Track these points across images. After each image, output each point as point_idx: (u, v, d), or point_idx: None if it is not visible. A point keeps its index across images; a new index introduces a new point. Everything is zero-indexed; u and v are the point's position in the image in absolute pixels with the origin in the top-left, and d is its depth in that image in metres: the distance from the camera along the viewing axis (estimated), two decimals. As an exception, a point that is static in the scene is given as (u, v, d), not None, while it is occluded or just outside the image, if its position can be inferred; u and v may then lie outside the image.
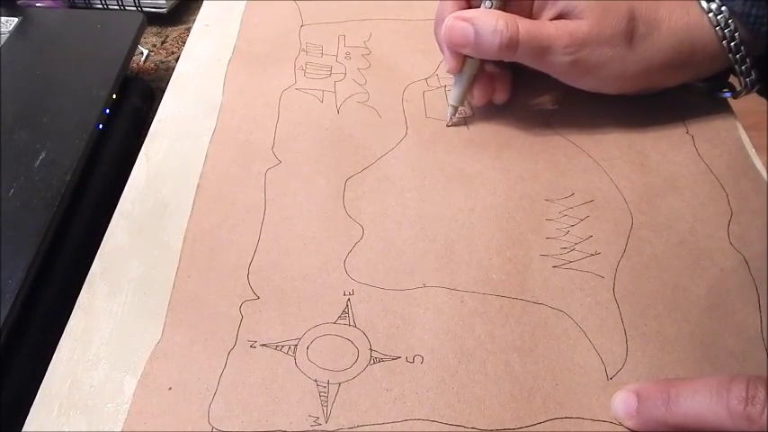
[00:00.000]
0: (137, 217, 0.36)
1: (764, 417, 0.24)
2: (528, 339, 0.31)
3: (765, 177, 0.37)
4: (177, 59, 0.46)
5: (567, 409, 0.29)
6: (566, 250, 0.34)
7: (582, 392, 0.29)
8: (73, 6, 0.55)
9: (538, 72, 0.38)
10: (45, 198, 0.35)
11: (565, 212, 0.36)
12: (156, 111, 0.42)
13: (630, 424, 0.28)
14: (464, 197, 0.37)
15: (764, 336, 0.31)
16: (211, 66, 0.45)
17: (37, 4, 0.53)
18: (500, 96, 0.41)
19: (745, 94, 0.40)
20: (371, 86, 0.43)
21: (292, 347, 0.30)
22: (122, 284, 0.33)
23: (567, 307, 0.32)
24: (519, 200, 0.37)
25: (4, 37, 0.46)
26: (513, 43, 0.36)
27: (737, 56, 0.37)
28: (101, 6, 0.54)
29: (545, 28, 0.36)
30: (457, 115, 0.41)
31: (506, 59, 0.37)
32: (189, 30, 0.51)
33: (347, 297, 0.32)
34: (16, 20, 0.47)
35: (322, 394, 0.29)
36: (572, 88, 0.39)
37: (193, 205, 0.36)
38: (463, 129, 0.41)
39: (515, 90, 0.41)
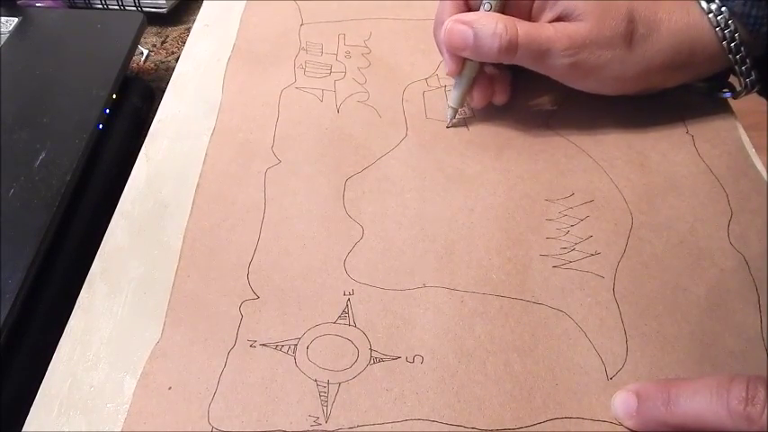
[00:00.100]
0: (137, 217, 0.36)
1: (764, 417, 0.24)
2: (528, 339, 0.31)
3: (765, 177, 0.37)
4: (177, 59, 0.46)
5: (567, 409, 0.29)
6: (566, 250, 0.34)
7: (582, 392, 0.29)
8: (73, 6, 0.55)
9: (537, 73, 0.38)
10: (45, 198, 0.35)
11: (565, 212, 0.36)
12: (156, 111, 0.42)
13: (630, 424, 0.28)
14: (464, 197, 0.37)
15: (764, 336, 0.31)
16: (211, 66, 0.45)
17: (37, 4, 0.53)
18: (500, 98, 0.41)
19: (746, 95, 0.40)
20: (371, 86, 0.43)
21: (292, 347, 0.30)
22: (122, 284, 0.33)
23: (567, 307, 0.32)
24: (519, 200, 0.37)
25: (4, 37, 0.46)
26: (512, 46, 0.36)
27: (737, 56, 0.37)
28: (101, 6, 0.54)
29: (544, 30, 0.36)
30: (456, 117, 0.41)
31: (506, 62, 0.37)
32: (189, 30, 0.51)
33: (347, 297, 0.32)
34: (16, 20, 0.47)
35: (322, 394, 0.29)
36: (572, 89, 0.39)
37: (193, 205, 0.36)
38: (463, 129, 0.41)
39: (515, 91, 0.41)
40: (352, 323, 0.31)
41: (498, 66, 0.40)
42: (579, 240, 0.35)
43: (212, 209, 0.36)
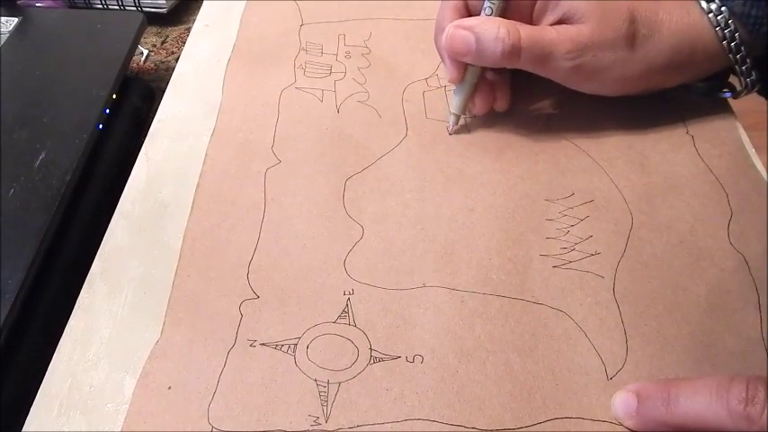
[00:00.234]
0: (137, 217, 0.36)
1: (764, 417, 0.24)
2: (528, 339, 0.31)
3: (765, 177, 0.37)
4: (177, 59, 0.46)
5: (567, 409, 0.29)
6: (566, 250, 0.34)
7: (582, 392, 0.29)
8: (73, 6, 0.55)
9: (537, 75, 0.38)
10: (45, 198, 0.35)
11: (565, 212, 0.36)
12: (156, 111, 0.42)
13: (630, 424, 0.28)
14: (464, 197, 0.37)
15: (764, 336, 0.31)
16: (211, 66, 0.45)
17: (37, 4, 0.53)
18: (501, 104, 0.41)
19: (746, 95, 0.40)
20: (371, 86, 0.43)
21: (292, 347, 0.30)
22: (122, 284, 0.33)
23: (567, 307, 0.32)
24: (519, 200, 0.37)
25: (4, 37, 0.46)
26: (515, 50, 0.36)
27: (738, 56, 0.37)
28: (101, 6, 0.54)
29: (546, 33, 0.36)
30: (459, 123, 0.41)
31: (509, 66, 0.37)
32: (189, 30, 0.51)
33: (347, 297, 0.32)
34: (16, 20, 0.47)
35: (322, 394, 0.29)
36: (572, 90, 0.39)
37: (193, 205, 0.36)
38: (463, 129, 0.41)
39: (515, 92, 0.41)
40: (352, 323, 0.31)
41: (498, 71, 0.40)
42: (579, 240, 0.35)
43: (212, 209, 0.36)
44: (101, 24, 0.47)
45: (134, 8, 0.54)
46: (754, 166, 0.38)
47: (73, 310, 0.32)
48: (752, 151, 0.39)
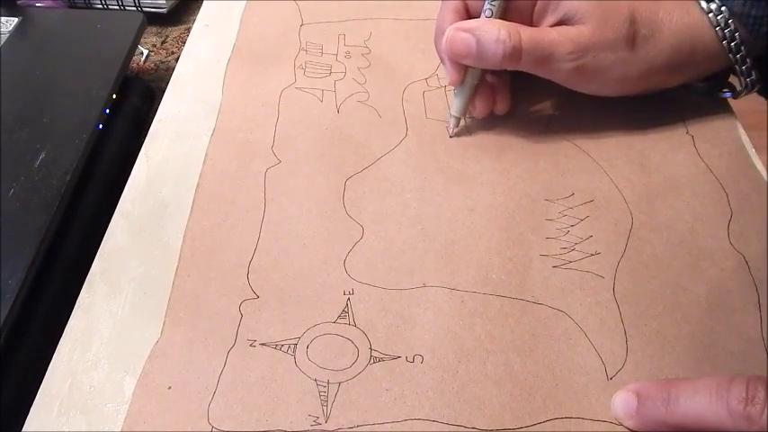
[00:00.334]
0: (137, 217, 0.36)
1: (764, 417, 0.24)
2: (528, 339, 0.31)
3: (765, 177, 0.37)
4: (177, 59, 0.46)
5: (567, 409, 0.29)
6: (566, 250, 0.34)
7: (582, 392, 0.29)
8: (73, 6, 0.55)
9: (535, 75, 0.38)
10: (45, 198, 0.35)
11: (565, 212, 0.36)
12: (156, 111, 0.42)
13: (630, 424, 0.28)
14: (464, 197, 0.37)
15: (764, 336, 0.31)
16: (211, 66, 0.45)
17: (37, 4, 0.53)
18: (501, 107, 0.41)
19: (746, 94, 0.40)
20: (371, 86, 0.43)
21: (292, 347, 0.30)
22: (122, 284, 0.33)
23: (567, 307, 0.32)
24: (519, 200, 0.37)
25: (4, 37, 0.46)
26: (516, 52, 0.35)
27: (738, 56, 0.37)
28: (101, 6, 0.54)
29: (547, 35, 0.36)
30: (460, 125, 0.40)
31: (510, 68, 0.37)
32: (189, 30, 0.51)
33: (347, 296, 0.32)
34: (16, 20, 0.47)
35: (322, 394, 0.29)
36: (572, 90, 0.39)
37: (193, 205, 0.36)
38: (463, 130, 0.41)
39: (515, 91, 0.41)
40: (352, 323, 0.31)
41: (497, 73, 0.40)
42: (579, 240, 0.35)
43: (212, 209, 0.36)
44: (101, 24, 0.47)
45: (134, 8, 0.54)
46: (754, 166, 0.38)
47: (73, 310, 0.32)
48: (752, 151, 0.39)
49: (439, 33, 0.39)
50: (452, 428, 0.28)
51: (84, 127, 0.39)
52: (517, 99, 0.42)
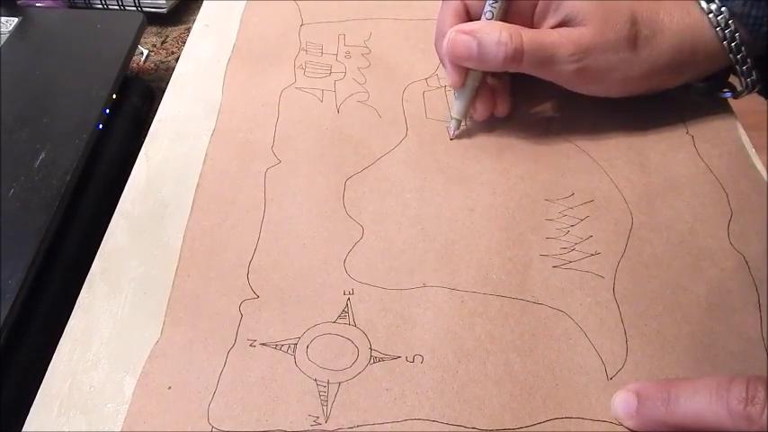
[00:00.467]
0: (137, 217, 0.36)
1: (764, 417, 0.24)
2: (528, 339, 0.31)
3: (765, 177, 0.37)
4: (177, 59, 0.46)
5: (566, 409, 0.29)
6: (566, 250, 0.34)
7: (582, 392, 0.29)
8: (73, 6, 0.55)
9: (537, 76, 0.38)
10: (45, 198, 0.35)
11: (565, 212, 0.36)
12: (156, 111, 0.42)
13: (630, 424, 0.28)
14: (464, 197, 0.37)
15: (764, 336, 0.31)
16: (211, 66, 0.45)
17: (37, 4, 0.53)
18: (501, 110, 0.40)
19: (746, 95, 0.40)
20: (371, 86, 0.43)
21: (292, 347, 0.30)
22: (122, 284, 0.33)
23: (567, 307, 0.32)
24: (519, 200, 0.37)
25: (4, 37, 0.46)
26: (517, 54, 0.35)
27: (738, 56, 0.37)
28: (101, 6, 0.54)
29: (548, 36, 0.36)
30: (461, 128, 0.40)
31: (511, 70, 0.37)
32: (189, 30, 0.51)
33: (347, 296, 0.32)
34: (16, 20, 0.47)
35: (322, 394, 0.29)
36: (572, 91, 0.39)
37: (193, 205, 0.36)
38: (463, 130, 0.41)
39: (515, 91, 0.41)
40: (351, 323, 0.31)
41: (497, 75, 0.40)
42: (579, 240, 0.35)
43: (212, 209, 0.36)
44: (101, 24, 0.47)
45: (134, 8, 0.54)
46: (754, 166, 0.38)
47: (73, 310, 0.32)
48: (752, 151, 0.39)
49: (439, 35, 0.39)
50: (452, 428, 0.28)
51: (84, 127, 0.39)
52: (517, 100, 0.41)
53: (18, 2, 0.51)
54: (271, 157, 0.39)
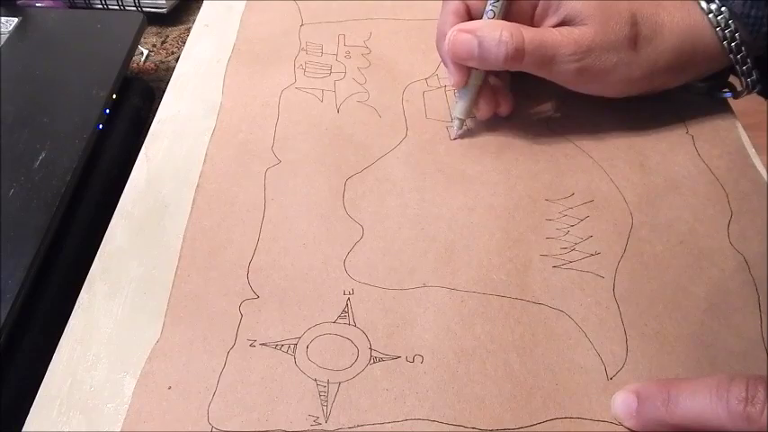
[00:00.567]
0: (137, 217, 0.36)
1: (764, 417, 0.24)
2: (528, 339, 0.31)
3: (765, 177, 0.37)
4: (177, 59, 0.46)
5: (567, 409, 0.29)
6: (566, 250, 0.34)
7: (582, 392, 0.29)
8: (73, 6, 0.55)
9: (537, 75, 0.38)
10: (45, 198, 0.35)
11: (565, 212, 0.36)
12: (156, 111, 0.42)
13: (630, 424, 0.28)
14: (464, 197, 0.37)
15: (764, 336, 0.31)
16: (211, 66, 0.45)
17: (37, 4, 0.53)
18: (504, 108, 0.40)
19: (746, 95, 0.40)
20: (371, 86, 0.43)
21: (292, 347, 0.30)
22: (122, 284, 0.33)
23: (567, 307, 0.32)
24: (519, 200, 0.37)
25: (4, 37, 0.46)
26: (518, 53, 0.35)
27: (738, 56, 0.37)
28: (101, 6, 0.54)
29: (550, 35, 0.36)
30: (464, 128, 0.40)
31: (512, 69, 0.37)
32: (189, 30, 0.51)
33: (347, 296, 0.32)
34: (16, 20, 0.47)
35: (322, 394, 0.29)
36: (572, 90, 0.39)
37: (193, 205, 0.36)
38: (463, 130, 0.41)
39: (515, 92, 0.41)
40: (351, 323, 0.31)
41: (498, 74, 0.40)
42: (579, 240, 0.35)
43: (212, 209, 0.36)
44: (101, 24, 0.47)
45: (134, 8, 0.54)
46: (754, 166, 0.38)
47: (73, 310, 0.32)
48: (752, 151, 0.39)
49: (441, 36, 0.39)
50: (452, 428, 0.28)
51: (84, 127, 0.39)
52: (517, 100, 0.41)
53: (18, 2, 0.51)
54: (271, 157, 0.39)
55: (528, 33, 0.35)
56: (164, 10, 0.54)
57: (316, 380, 0.29)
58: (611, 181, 0.37)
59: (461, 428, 0.28)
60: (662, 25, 0.36)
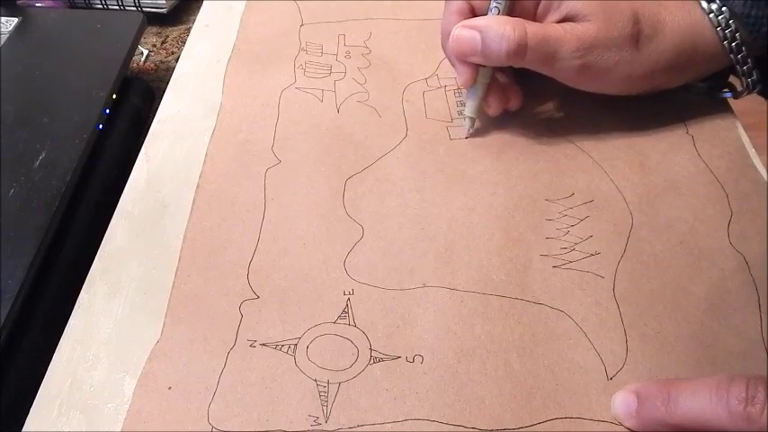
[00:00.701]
0: (137, 217, 0.36)
1: (764, 417, 0.24)
2: (528, 339, 0.31)
3: (765, 177, 0.37)
4: (177, 59, 0.46)
5: (567, 409, 0.29)
6: (566, 250, 0.34)
7: (582, 392, 0.29)
8: (73, 6, 0.55)
9: (537, 74, 0.38)
10: (45, 198, 0.35)
11: (565, 212, 0.36)
12: (156, 111, 0.42)
13: (630, 424, 0.28)
14: (464, 197, 0.37)
15: (764, 336, 0.31)
16: (211, 66, 0.45)
17: (37, 4, 0.53)
18: (514, 103, 0.40)
19: (747, 95, 0.40)
20: (371, 86, 0.43)
21: (292, 347, 0.30)
22: (122, 284, 0.33)
23: (567, 307, 0.32)
24: (519, 200, 0.37)
25: (4, 37, 0.46)
26: (521, 48, 0.35)
27: (739, 56, 0.37)
28: (101, 6, 0.54)
29: (553, 31, 0.36)
30: (475, 126, 0.40)
31: (515, 65, 0.37)
32: (189, 30, 0.51)
33: (347, 297, 0.32)
34: (16, 20, 0.47)
35: (322, 394, 0.29)
36: (573, 90, 0.39)
37: (193, 205, 0.36)
38: (463, 129, 0.41)
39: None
40: (351, 323, 0.31)
41: (504, 71, 0.40)
42: (579, 240, 0.35)
43: (212, 209, 0.36)
44: (101, 24, 0.47)
45: (134, 8, 0.54)
46: (754, 166, 0.38)
47: (73, 310, 0.32)
48: (752, 151, 0.39)
49: (445, 36, 0.39)
50: (452, 428, 0.28)
51: (84, 127, 0.39)
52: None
53: (18, 2, 0.51)
54: (271, 157, 0.39)
55: (531, 28, 0.35)
56: (164, 10, 0.54)
57: (316, 380, 0.29)
58: (611, 181, 0.37)
59: (461, 428, 0.28)
60: (663, 24, 0.36)
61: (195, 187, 0.37)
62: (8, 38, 0.46)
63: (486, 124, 0.41)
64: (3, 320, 0.30)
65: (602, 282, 0.33)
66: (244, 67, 0.45)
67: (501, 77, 0.40)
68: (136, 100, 0.46)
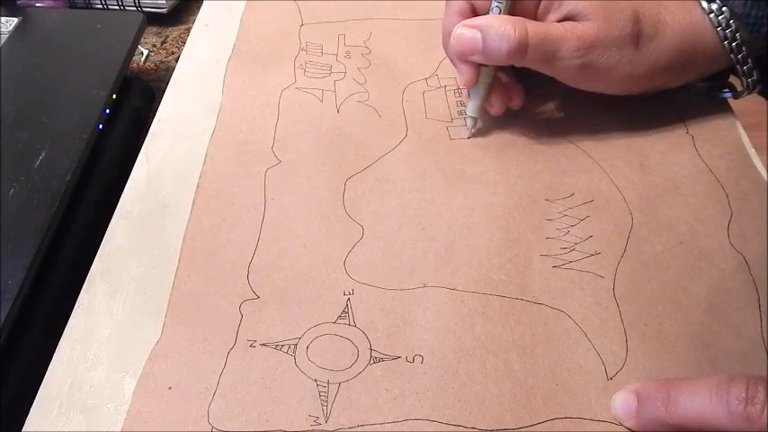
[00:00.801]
0: (137, 217, 0.36)
1: (764, 417, 0.24)
2: (528, 339, 0.31)
3: (765, 177, 0.37)
4: (177, 59, 0.46)
5: (567, 409, 0.29)
6: (566, 250, 0.34)
7: (582, 392, 0.29)
8: (73, 6, 0.55)
9: (538, 74, 0.38)
10: (45, 198, 0.35)
11: (565, 212, 0.36)
12: (156, 111, 0.42)
13: (630, 424, 0.28)
14: (464, 197, 0.37)
15: (764, 336, 0.31)
16: (211, 66, 0.45)
17: (37, 4, 0.53)
18: (517, 102, 0.40)
19: (747, 95, 0.40)
20: (371, 86, 0.43)
21: (292, 347, 0.30)
22: (122, 284, 0.33)
23: (567, 307, 0.32)
24: (519, 200, 0.37)
25: (4, 37, 0.46)
26: (522, 48, 0.35)
27: (739, 56, 0.37)
28: (101, 6, 0.54)
29: (554, 30, 0.36)
30: (477, 126, 0.40)
31: (516, 64, 0.37)
32: (189, 30, 0.51)
33: (347, 297, 0.32)
34: (16, 20, 0.47)
35: (322, 394, 0.29)
36: (573, 89, 0.39)
37: (193, 205, 0.36)
38: (464, 130, 0.41)
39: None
40: (351, 323, 0.31)
41: (506, 70, 0.40)
42: (579, 240, 0.35)
43: (212, 209, 0.36)
44: (101, 24, 0.47)
45: (134, 8, 0.54)
46: (754, 166, 0.38)
47: (73, 310, 0.32)
48: (752, 151, 0.39)
49: (446, 36, 0.39)
50: (452, 428, 0.28)
51: (84, 127, 0.39)
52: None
53: (18, 2, 0.51)
54: (271, 157, 0.39)
55: (532, 28, 0.35)
56: (164, 10, 0.54)
57: (316, 380, 0.29)
58: (611, 181, 0.37)
59: (461, 428, 0.28)
60: (664, 24, 0.36)
61: (195, 187, 0.37)
62: (8, 38, 0.46)
63: (486, 124, 0.41)
64: (3, 320, 0.30)
65: (602, 282, 0.33)
66: (244, 67, 0.45)
67: (503, 76, 0.40)
68: (136, 100, 0.46)
